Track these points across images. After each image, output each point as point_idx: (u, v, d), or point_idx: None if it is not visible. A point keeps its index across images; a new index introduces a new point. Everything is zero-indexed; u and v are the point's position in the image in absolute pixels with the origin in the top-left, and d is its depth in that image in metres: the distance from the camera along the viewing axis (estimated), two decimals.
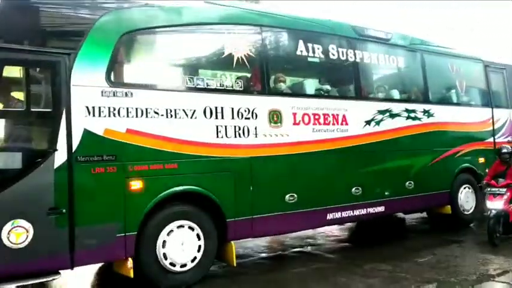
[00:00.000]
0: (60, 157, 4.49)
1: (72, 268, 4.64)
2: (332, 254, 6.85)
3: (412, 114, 7.55)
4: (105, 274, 5.94)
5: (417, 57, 7.96)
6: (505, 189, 7.01)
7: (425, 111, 7.74)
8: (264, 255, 7.01)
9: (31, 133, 4.77)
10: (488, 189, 7.15)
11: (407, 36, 8.02)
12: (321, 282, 5.45)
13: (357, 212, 6.74)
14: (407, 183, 7.42)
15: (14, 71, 4.66)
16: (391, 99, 7.45)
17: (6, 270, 4.32)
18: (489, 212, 6.96)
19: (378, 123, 7.05)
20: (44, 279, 4.48)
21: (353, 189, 6.71)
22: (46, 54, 4.54)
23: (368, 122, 6.94)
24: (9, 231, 4.25)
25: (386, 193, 7.09)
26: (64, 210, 4.49)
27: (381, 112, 7.11)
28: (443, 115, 8.04)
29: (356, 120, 6.78)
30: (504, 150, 7.52)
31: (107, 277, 5.86)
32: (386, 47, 7.49)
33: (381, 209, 7.04)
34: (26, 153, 4.46)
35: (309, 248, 7.33)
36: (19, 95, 4.60)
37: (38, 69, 4.78)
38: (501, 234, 6.93)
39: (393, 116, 7.27)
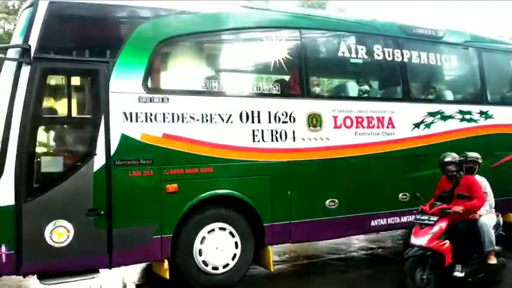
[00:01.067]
0: (99, 161, 4.71)
1: (110, 268, 4.83)
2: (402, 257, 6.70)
3: (467, 116, 7.08)
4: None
5: (473, 55, 7.43)
6: (436, 218, 4.97)
7: (482, 113, 7.22)
8: (334, 256, 7.00)
9: (72, 138, 5.05)
10: (418, 216, 5.19)
11: (463, 33, 7.56)
12: (391, 285, 5.39)
13: (405, 219, 6.42)
14: None
15: (56, 80, 4.95)
16: (443, 101, 7.06)
17: (49, 268, 4.60)
18: (407, 250, 4.97)
19: (428, 125, 6.69)
20: (84, 278, 4.70)
21: (400, 195, 6.42)
22: (86, 63, 4.81)
23: (417, 125, 6.60)
24: (52, 230, 4.51)
25: None
26: (102, 212, 4.69)
27: (431, 114, 6.74)
28: (505, 116, 7.47)
29: (403, 123, 6.48)
30: (447, 160, 5.38)
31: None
32: (438, 45, 7.10)
33: None
34: (68, 157, 4.74)
35: (379, 251, 7.26)
36: (61, 102, 4.88)
37: (78, 77, 5.04)
38: (427, 285, 4.88)
39: (445, 118, 6.86)
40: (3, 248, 4.36)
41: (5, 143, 4.41)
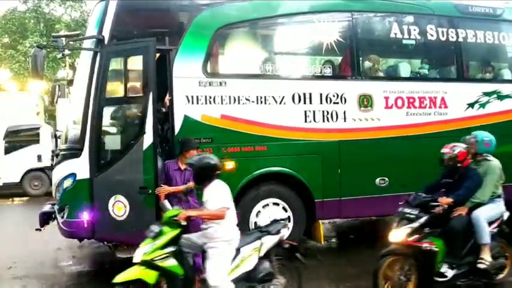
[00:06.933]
0: None
1: None
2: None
3: None
4: None
5: None
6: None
7: None
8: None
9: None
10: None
11: None
12: None
13: None
14: None
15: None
16: (500, 80, 6.94)
17: (113, 238, 5.16)
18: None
19: (483, 105, 6.63)
20: None
21: None
22: None
23: (471, 105, 6.57)
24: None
25: None
26: None
27: (487, 94, 6.66)
28: None
29: (456, 103, 6.48)
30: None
31: None
32: (495, 23, 6.96)
33: None
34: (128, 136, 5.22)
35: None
36: (130, 86, 5.34)
37: None
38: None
39: (502, 97, 6.76)
40: (85, 215, 4.97)
41: (85, 122, 5.00)
